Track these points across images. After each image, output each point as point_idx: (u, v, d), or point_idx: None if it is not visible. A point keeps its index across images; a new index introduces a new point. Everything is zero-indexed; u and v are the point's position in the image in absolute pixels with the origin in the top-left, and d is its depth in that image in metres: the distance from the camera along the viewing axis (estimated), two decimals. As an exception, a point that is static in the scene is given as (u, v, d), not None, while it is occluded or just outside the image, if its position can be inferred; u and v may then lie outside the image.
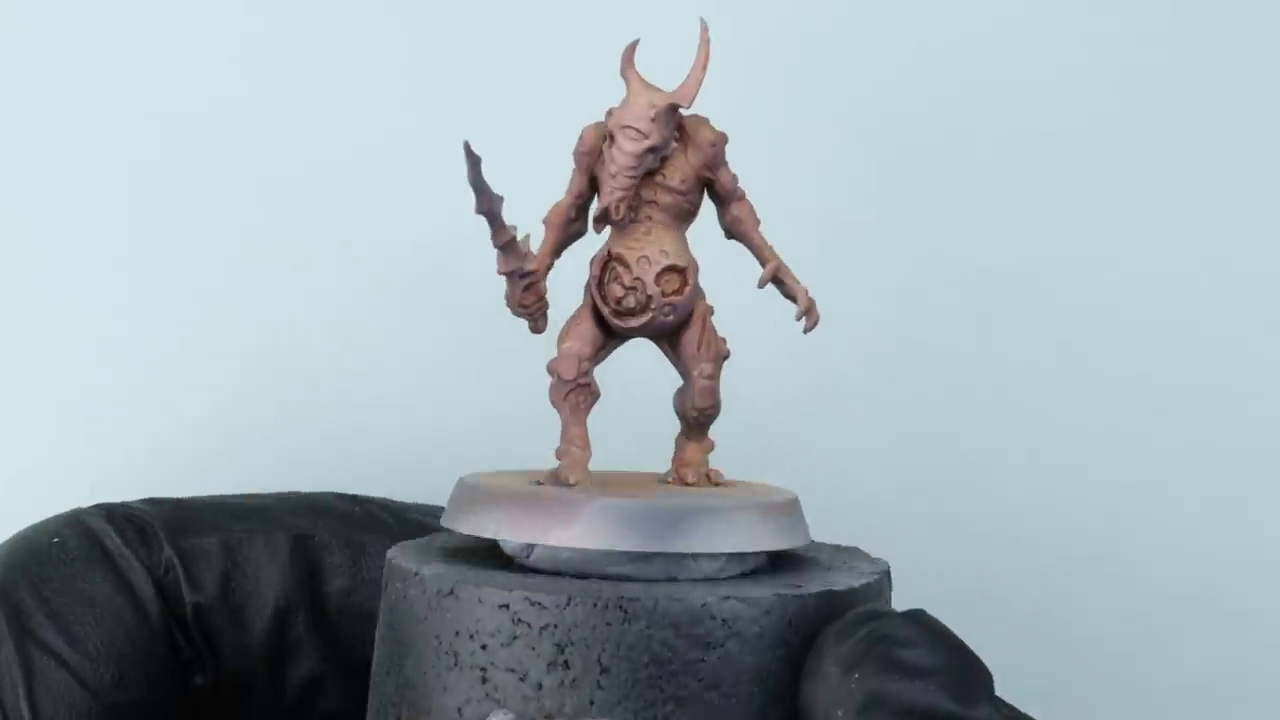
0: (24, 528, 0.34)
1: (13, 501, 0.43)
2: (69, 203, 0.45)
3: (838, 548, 0.33)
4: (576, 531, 0.28)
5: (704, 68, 0.30)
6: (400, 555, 0.30)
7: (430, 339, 0.45)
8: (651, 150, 0.30)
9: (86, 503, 0.35)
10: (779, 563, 0.31)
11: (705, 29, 0.30)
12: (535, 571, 0.29)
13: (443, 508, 0.37)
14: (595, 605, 0.27)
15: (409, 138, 0.46)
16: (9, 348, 0.45)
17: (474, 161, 0.28)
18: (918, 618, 0.27)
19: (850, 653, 0.26)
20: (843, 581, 0.29)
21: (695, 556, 0.29)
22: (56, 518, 0.34)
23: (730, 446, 0.33)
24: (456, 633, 0.27)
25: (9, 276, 0.45)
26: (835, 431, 0.48)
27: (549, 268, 0.31)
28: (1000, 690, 0.26)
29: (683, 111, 0.30)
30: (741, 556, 0.29)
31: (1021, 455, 0.48)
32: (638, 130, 0.29)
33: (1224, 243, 0.48)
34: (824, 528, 0.35)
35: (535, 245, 0.30)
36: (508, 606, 0.27)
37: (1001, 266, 0.48)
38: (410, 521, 0.37)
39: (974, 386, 0.48)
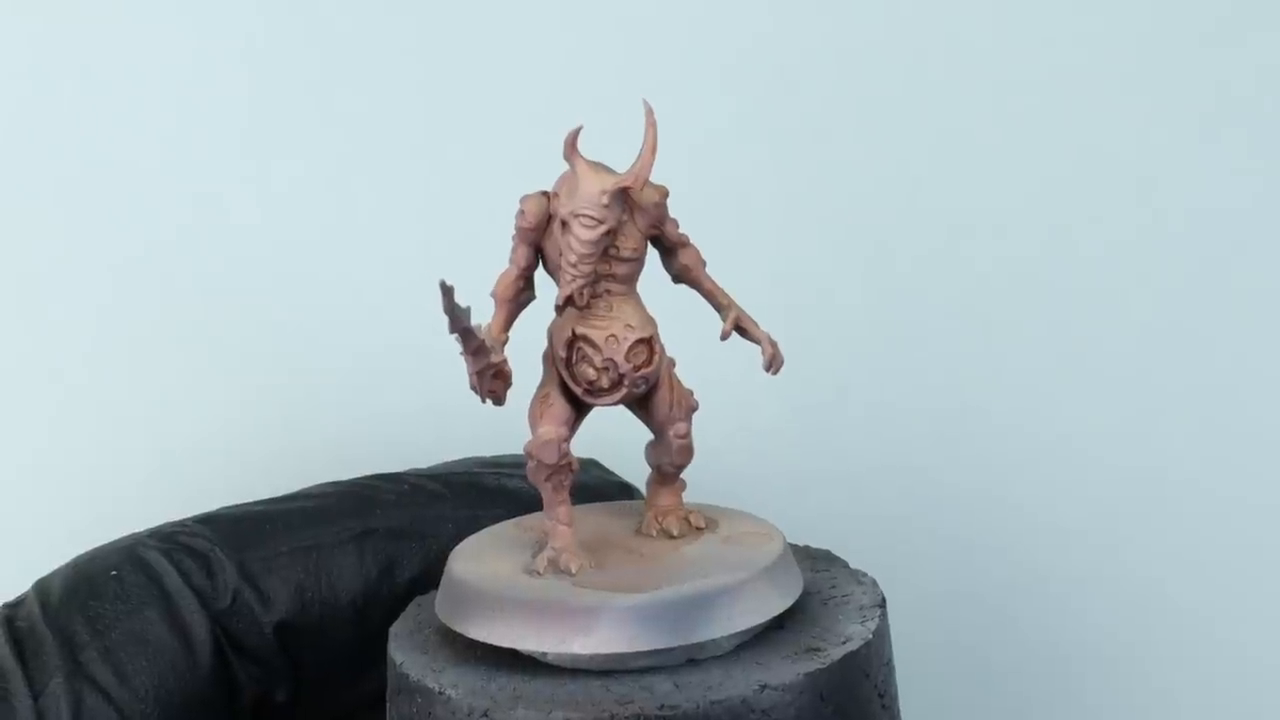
0: (81, 555, 0.34)
1: (41, 502, 0.45)
2: (70, 204, 0.45)
3: (815, 562, 0.33)
4: (598, 639, 0.28)
5: (654, 150, 0.29)
6: (405, 657, 0.29)
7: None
8: (608, 233, 0.29)
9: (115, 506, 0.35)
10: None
11: (650, 111, 0.29)
12: (556, 671, 0.28)
13: (477, 459, 0.35)
14: (639, 718, 0.26)
15: (410, 140, 0.46)
16: (16, 349, 0.45)
17: (448, 292, 0.27)
18: None
19: None
20: (855, 633, 0.29)
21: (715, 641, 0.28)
22: (115, 547, 0.34)
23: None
24: None
25: (11, 276, 0.45)
26: (833, 434, 0.47)
27: (504, 343, 0.30)
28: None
29: None
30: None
31: (1020, 458, 0.48)
32: (592, 218, 0.28)
33: (1225, 242, 0.47)
34: (824, 529, 0.36)
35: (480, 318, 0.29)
36: None
37: (999, 268, 0.47)
38: (459, 484, 0.36)
39: (972, 389, 0.47)
